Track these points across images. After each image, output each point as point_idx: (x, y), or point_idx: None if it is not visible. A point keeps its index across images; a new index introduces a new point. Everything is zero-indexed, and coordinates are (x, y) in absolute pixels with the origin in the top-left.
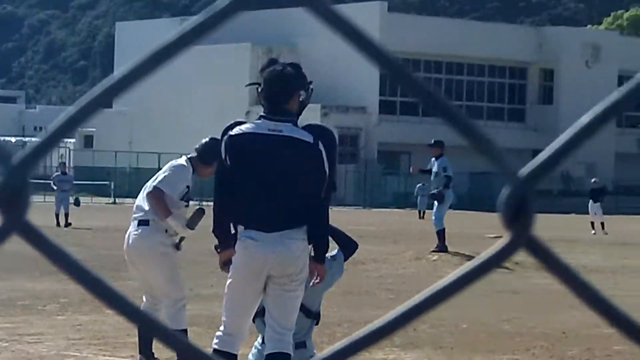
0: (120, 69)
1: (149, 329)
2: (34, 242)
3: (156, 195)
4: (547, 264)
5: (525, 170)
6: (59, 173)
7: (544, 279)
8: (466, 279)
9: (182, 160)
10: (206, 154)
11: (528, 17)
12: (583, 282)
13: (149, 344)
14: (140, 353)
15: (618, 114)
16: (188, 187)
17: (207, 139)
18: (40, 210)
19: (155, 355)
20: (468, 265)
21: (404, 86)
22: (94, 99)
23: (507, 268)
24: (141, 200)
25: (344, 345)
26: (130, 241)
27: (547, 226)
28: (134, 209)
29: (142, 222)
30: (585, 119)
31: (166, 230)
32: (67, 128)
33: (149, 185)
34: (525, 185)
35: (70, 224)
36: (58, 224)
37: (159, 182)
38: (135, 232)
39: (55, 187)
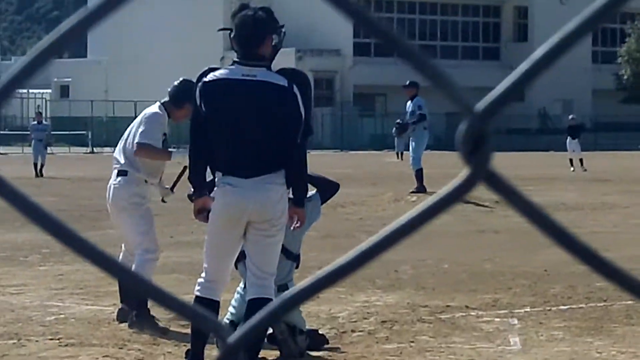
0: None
1: (120, 278)
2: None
3: (144, 149)
4: (508, 198)
5: (481, 105)
6: (34, 122)
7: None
8: (428, 213)
9: (155, 108)
10: (178, 96)
11: None
12: (545, 216)
13: (130, 294)
14: (121, 302)
15: (569, 47)
16: (165, 134)
17: (178, 81)
18: (20, 162)
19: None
20: (429, 201)
21: (365, 29)
22: (42, 51)
23: (487, 207)
24: (117, 151)
25: (310, 282)
26: (109, 192)
27: (525, 164)
28: (113, 159)
29: (120, 173)
30: (537, 53)
31: (145, 181)
32: (21, 75)
33: (128, 140)
34: (482, 120)
35: (42, 174)
36: (37, 175)
37: (139, 136)
38: (114, 183)
39: (32, 137)
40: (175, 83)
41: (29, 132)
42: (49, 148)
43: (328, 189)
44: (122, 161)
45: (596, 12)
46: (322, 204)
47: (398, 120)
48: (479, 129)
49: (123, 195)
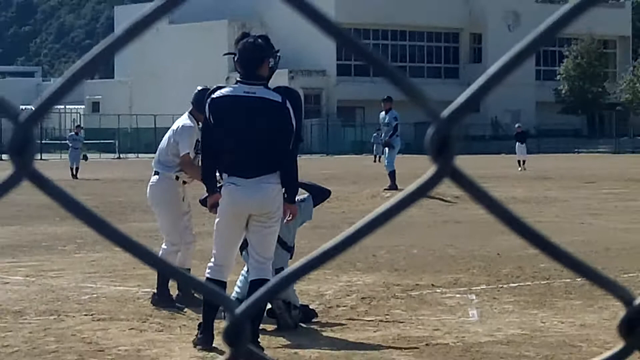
0: (104, 40)
1: (147, 262)
2: (41, 186)
3: (186, 160)
4: (469, 192)
5: (446, 112)
6: (72, 133)
7: (480, 209)
8: (398, 207)
9: (186, 119)
10: (200, 103)
11: None
12: (500, 206)
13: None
14: (179, 290)
15: (516, 66)
16: (198, 140)
17: (197, 90)
18: (59, 166)
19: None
20: (402, 194)
21: (351, 52)
22: (75, 73)
23: (449, 201)
24: (156, 154)
25: (302, 264)
26: (147, 189)
27: (481, 165)
28: (153, 160)
29: (155, 173)
30: (489, 71)
31: (177, 178)
32: (58, 93)
33: (170, 144)
34: (447, 125)
35: (77, 177)
36: (73, 177)
37: (182, 146)
38: (150, 182)
39: (70, 145)
40: (195, 92)
41: (67, 142)
42: (87, 158)
43: (320, 194)
44: (157, 163)
45: (537, 38)
46: (314, 206)
47: (381, 137)
48: (444, 133)
49: (156, 191)
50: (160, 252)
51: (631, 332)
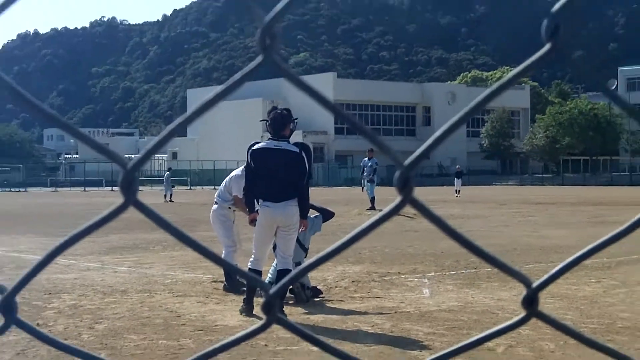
0: (183, 114)
1: (211, 259)
2: (141, 210)
3: (236, 199)
4: (422, 212)
5: (408, 161)
6: (168, 173)
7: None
8: (376, 223)
9: (240, 170)
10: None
11: (415, 78)
12: (443, 222)
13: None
14: (225, 280)
15: (452, 131)
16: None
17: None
18: (150, 194)
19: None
20: (377, 215)
21: (343, 120)
22: (167, 133)
23: (410, 217)
24: (218, 190)
25: (313, 260)
26: (211, 212)
27: (431, 193)
28: (215, 194)
29: (215, 202)
30: (436, 133)
31: (229, 207)
32: (155, 148)
33: (227, 184)
34: (408, 169)
35: (172, 201)
36: (170, 201)
37: (234, 190)
38: (213, 208)
39: (164, 181)
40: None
41: (163, 178)
42: (172, 188)
43: (328, 215)
44: (217, 197)
45: (468, 111)
46: (323, 222)
47: (368, 176)
48: (406, 175)
49: (215, 215)
50: (224, 254)
51: (530, 305)
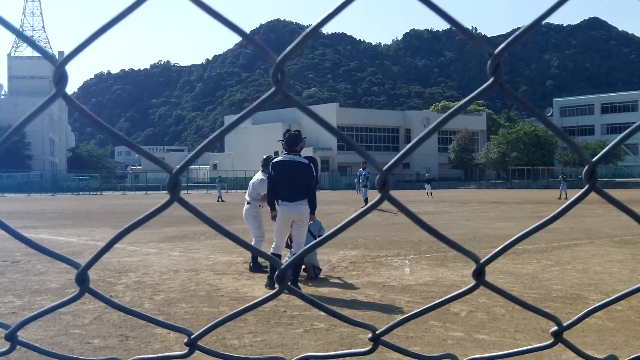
0: (214, 133)
1: (244, 247)
2: (184, 206)
3: (264, 195)
4: (399, 208)
5: (386, 166)
6: (219, 179)
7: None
8: (361, 214)
9: (262, 175)
10: (266, 163)
11: (398, 107)
12: (416, 216)
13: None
14: (252, 262)
15: (419, 144)
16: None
17: (263, 157)
18: (195, 196)
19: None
20: (360, 210)
21: (343, 141)
22: (201, 147)
23: (394, 212)
24: (248, 192)
25: (316, 241)
26: (243, 210)
27: (408, 195)
28: (246, 194)
29: (248, 202)
30: (406, 147)
31: (259, 205)
32: (193, 157)
33: (255, 187)
34: (386, 172)
35: (224, 200)
36: (221, 201)
37: (262, 188)
38: (245, 206)
39: (216, 184)
40: (263, 157)
41: (215, 184)
42: (222, 191)
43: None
44: (248, 197)
45: (430, 129)
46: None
47: (362, 182)
48: (385, 177)
49: (248, 212)
50: (253, 242)
51: (478, 276)
